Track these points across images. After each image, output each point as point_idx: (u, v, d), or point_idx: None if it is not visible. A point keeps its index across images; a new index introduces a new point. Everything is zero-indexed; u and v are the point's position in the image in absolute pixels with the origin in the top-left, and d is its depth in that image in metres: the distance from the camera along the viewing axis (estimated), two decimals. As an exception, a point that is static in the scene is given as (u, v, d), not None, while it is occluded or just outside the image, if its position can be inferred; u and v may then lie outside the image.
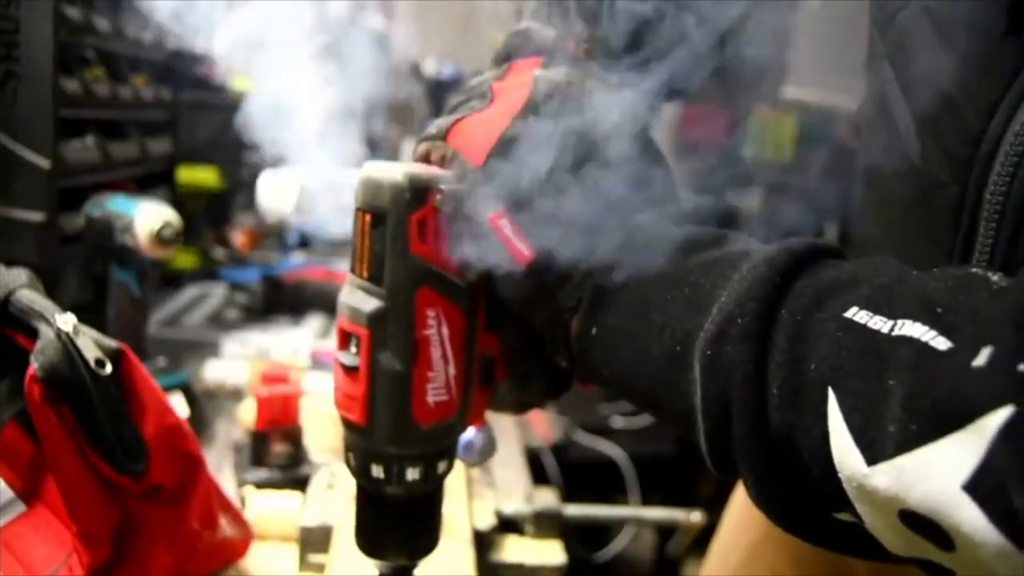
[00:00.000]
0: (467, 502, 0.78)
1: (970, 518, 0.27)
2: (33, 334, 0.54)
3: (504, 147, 0.42)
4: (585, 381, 0.45)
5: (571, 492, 1.07)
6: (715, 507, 1.11)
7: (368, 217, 0.43)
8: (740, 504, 0.75)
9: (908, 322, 0.30)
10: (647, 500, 1.69)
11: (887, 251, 0.49)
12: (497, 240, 0.42)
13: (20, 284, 0.57)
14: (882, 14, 0.48)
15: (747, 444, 0.33)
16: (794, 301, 0.33)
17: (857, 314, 0.31)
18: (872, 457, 0.29)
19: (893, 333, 0.30)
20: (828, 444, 0.31)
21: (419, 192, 0.42)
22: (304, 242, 1.69)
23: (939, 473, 0.27)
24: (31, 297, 0.56)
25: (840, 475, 0.31)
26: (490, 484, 0.87)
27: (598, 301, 0.40)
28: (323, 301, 1.40)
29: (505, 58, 0.48)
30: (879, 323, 0.30)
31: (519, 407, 0.51)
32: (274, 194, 1.25)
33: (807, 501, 0.34)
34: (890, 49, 0.48)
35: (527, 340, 0.46)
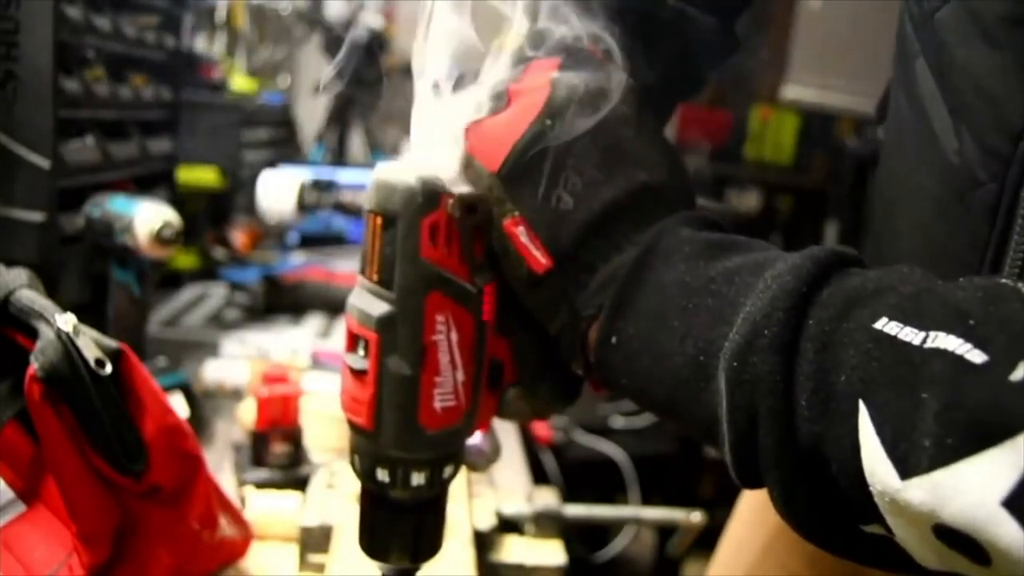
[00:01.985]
0: (467, 502, 0.78)
1: (1009, 534, 0.26)
2: (33, 334, 0.54)
3: (521, 153, 0.41)
4: (602, 388, 0.44)
5: (571, 492, 1.07)
6: (715, 507, 1.11)
7: (379, 220, 0.42)
8: (751, 502, 0.74)
9: (941, 334, 0.29)
10: (647, 500, 1.69)
11: (915, 249, 0.49)
12: (513, 248, 0.42)
13: (20, 284, 0.57)
14: (920, 11, 0.47)
15: (774, 455, 0.33)
16: (821, 311, 0.33)
17: (887, 325, 0.31)
18: (906, 471, 0.29)
19: (925, 345, 0.29)
20: (859, 456, 0.30)
21: (431, 196, 0.41)
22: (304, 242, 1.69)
23: (977, 488, 0.27)
24: (31, 297, 0.56)
25: (871, 488, 0.30)
26: (490, 484, 0.87)
27: (618, 309, 0.40)
28: (323, 301, 1.40)
29: (522, 59, 0.47)
30: (910, 335, 0.30)
31: (528, 415, 0.51)
32: (274, 194, 1.25)
33: (835, 513, 0.33)
34: (926, 47, 0.47)
35: (537, 345, 0.46)
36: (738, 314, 0.35)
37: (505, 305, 0.45)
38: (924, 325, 0.30)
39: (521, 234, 0.41)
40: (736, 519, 0.77)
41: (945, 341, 0.29)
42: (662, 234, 0.40)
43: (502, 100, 0.44)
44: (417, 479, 0.45)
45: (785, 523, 0.35)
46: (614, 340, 0.40)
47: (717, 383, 0.35)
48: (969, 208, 0.44)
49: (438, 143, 0.43)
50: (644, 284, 0.39)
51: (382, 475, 0.45)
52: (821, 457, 0.32)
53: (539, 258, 0.41)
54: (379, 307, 0.42)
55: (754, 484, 0.35)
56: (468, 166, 0.43)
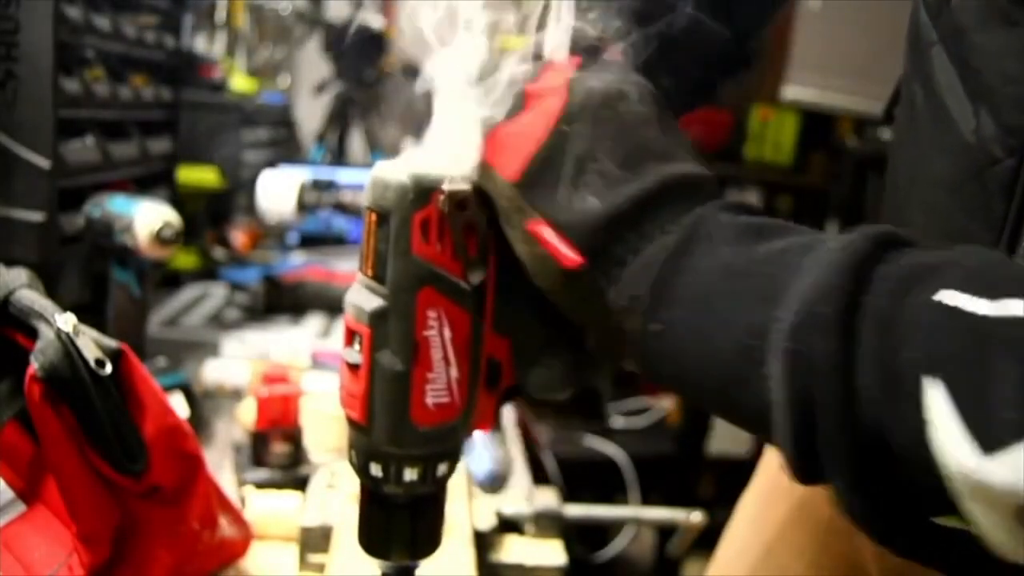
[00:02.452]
0: (467, 502, 0.78)
1: None
2: (33, 334, 0.54)
3: (540, 163, 0.41)
4: (647, 382, 0.44)
5: (571, 492, 1.07)
6: (715, 507, 1.11)
7: (374, 216, 0.43)
8: (754, 504, 0.74)
9: (1013, 301, 0.28)
10: (647, 500, 1.70)
11: (930, 230, 0.49)
12: (540, 247, 0.41)
13: (20, 284, 0.57)
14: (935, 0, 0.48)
15: (835, 442, 0.31)
16: (879, 287, 0.31)
17: (953, 297, 0.29)
18: (985, 447, 0.27)
19: (996, 314, 0.28)
20: (927, 436, 0.29)
21: (423, 192, 0.42)
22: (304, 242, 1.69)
23: None
24: (31, 297, 0.56)
25: (943, 471, 0.28)
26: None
27: (659, 297, 0.38)
28: (323, 301, 1.40)
29: (539, 58, 0.46)
30: (978, 305, 0.28)
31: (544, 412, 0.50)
32: (274, 194, 1.25)
33: (904, 505, 0.31)
34: (943, 33, 0.47)
35: (537, 345, 0.46)
36: (787, 295, 0.33)
37: (504, 304, 0.45)
38: (993, 295, 0.28)
39: (546, 233, 0.41)
40: (736, 521, 0.77)
41: (1019, 307, 0.27)
42: (701, 220, 0.39)
43: (519, 102, 0.43)
44: (410, 475, 0.45)
45: (851, 523, 0.33)
46: (657, 329, 0.38)
47: (769, 367, 0.33)
48: (985, 186, 0.43)
49: (449, 142, 0.43)
50: (685, 270, 0.38)
51: (375, 470, 0.45)
52: (886, 441, 0.30)
53: (568, 255, 0.40)
54: (372, 302, 0.43)
55: (814, 478, 0.33)
56: (485, 175, 0.43)
